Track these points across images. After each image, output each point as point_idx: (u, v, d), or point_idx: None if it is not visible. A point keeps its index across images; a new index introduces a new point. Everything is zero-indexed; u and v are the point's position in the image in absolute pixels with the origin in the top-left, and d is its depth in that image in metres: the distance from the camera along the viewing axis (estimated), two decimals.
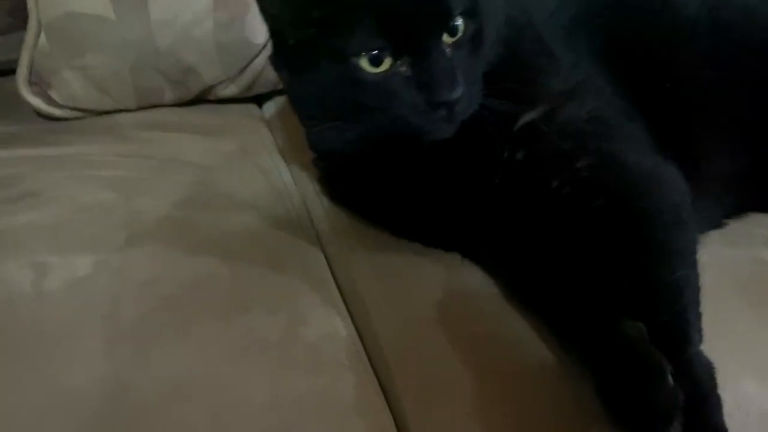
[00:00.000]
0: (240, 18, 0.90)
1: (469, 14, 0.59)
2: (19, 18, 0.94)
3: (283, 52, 0.65)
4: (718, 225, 0.74)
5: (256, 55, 0.94)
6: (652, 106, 0.69)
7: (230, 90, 0.97)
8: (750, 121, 0.72)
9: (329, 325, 0.63)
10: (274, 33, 0.65)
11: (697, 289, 0.60)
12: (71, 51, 0.88)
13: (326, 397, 0.55)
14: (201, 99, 0.99)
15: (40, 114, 0.93)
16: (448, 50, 0.58)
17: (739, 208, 0.75)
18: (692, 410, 0.52)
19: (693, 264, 0.61)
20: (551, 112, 0.65)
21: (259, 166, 0.86)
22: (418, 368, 0.59)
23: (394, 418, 0.56)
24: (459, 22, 0.58)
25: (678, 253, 0.61)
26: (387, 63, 0.57)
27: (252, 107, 1.02)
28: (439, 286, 0.67)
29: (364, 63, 0.57)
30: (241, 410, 0.53)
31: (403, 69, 0.58)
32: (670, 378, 0.51)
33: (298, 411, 0.54)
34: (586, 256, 0.63)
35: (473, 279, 0.67)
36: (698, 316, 0.58)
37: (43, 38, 0.89)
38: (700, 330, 0.58)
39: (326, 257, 0.74)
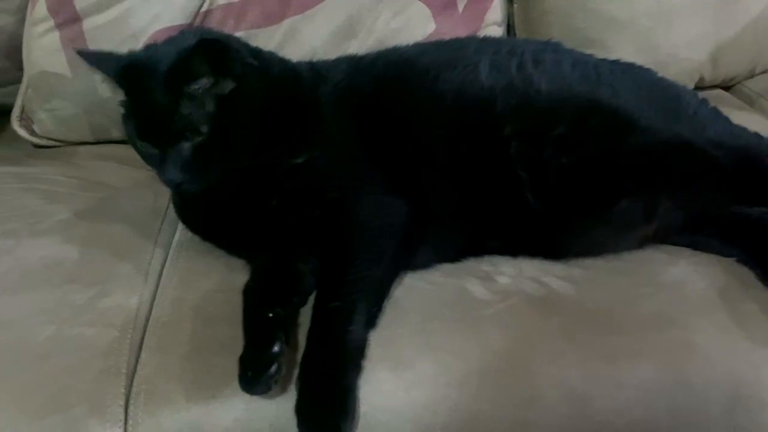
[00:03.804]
0: None
1: (211, 126, 0.82)
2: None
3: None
4: (452, 260, 0.92)
5: None
6: (393, 157, 0.91)
7: None
8: (473, 180, 0.91)
9: (125, 300, 0.88)
10: None
11: (375, 288, 0.82)
12: (43, 98, 1.22)
13: (86, 341, 0.81)
14: None
15: (28, 142, 1.28)
16: (186, 146, 0.82)
17: (475, 250, 0.93)
18: (331, 370, 0.74)
19: (378, 269, 0.83)
20: (312, 158, 0.88)
21: (157, 190, 1.11)
22: (165, 333, 0.84)
23: (135, 365, 0.81)
24: (198, 130, 0.82)
25: (371, 259, 0.83)
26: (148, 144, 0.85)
27: None
28: (217, 282, 0.91)
29: (136, 139, 0.86)
30: (29, 340, 0.81)
31: (154, 151, 0.84)
32: (274, 349, 0.74)
33: (64, 348, 0.81)
34: (312, 254, 0.87)
35: (240, 279, 0.89)
36: (366, 307, 0.80)
37: (29, 89, 1.24)
38: (370, 317, 0.80)
39: (166, 257, 1.00)
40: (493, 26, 1.29)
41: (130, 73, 0.86)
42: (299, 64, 0.98)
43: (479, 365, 0.78)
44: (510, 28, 1.37)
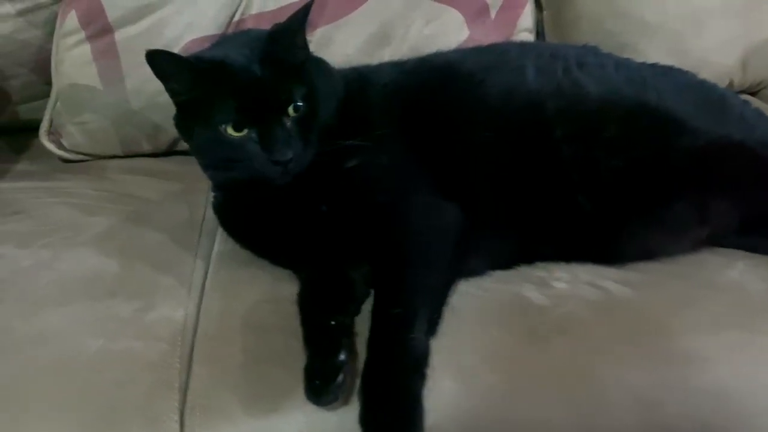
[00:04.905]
0: None
1: (304, 99, 0.83)
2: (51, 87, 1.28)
3: (177, 116, 0.91)
4: (505, 267, 0.90)
5: None
6: (444, 160, 0.89)
7: None
8: (525, 184, 0.89)
9: (171, 312, 0.86)
10: (175, 103, 0.90)
11: (434, 294, 0.80)
12: (73, 111, 1.20)
13: (136, 355, 0.79)
14: (173, 150, 1.27)
15: (55, 156, 1.26)
16: (288, 122, 0.82)
17: (528, 256, 0.91)
18: (396, 379, 0.72)
19: (436, 274, 0.81)
20: (365, 161, 0.86)
21: (190, 202, 1.11)
22: (215, 345, 0.81)
23: (188, 378, 0.78)
24: (297, 104, 0.82)
25: (429, 264, 0.81)
26: (245, 130, 0.82)
27: None
28: (263, 292, 0.88)
29: (229, 129, 0.82)
30: (78, 354, 0.79)
31: (253, 135, 0.82)
32: (340, 357, 0.71)
33: (113, 361, 0.78)
34: (363, 261, 0.85)
35: (287, 290, 0.87)
36: (427, 313, 0.77)
37: (58, 102, 1.22)
38: (431, 323, 0.78)
39: (207, 269, 0.97)
40: (524, 33, 1.28)
41: (213, 63, 0.83)
42: (342, 69, 0.97)
43: (543, 372, 0.76)
44: (539, 34, 1.36)
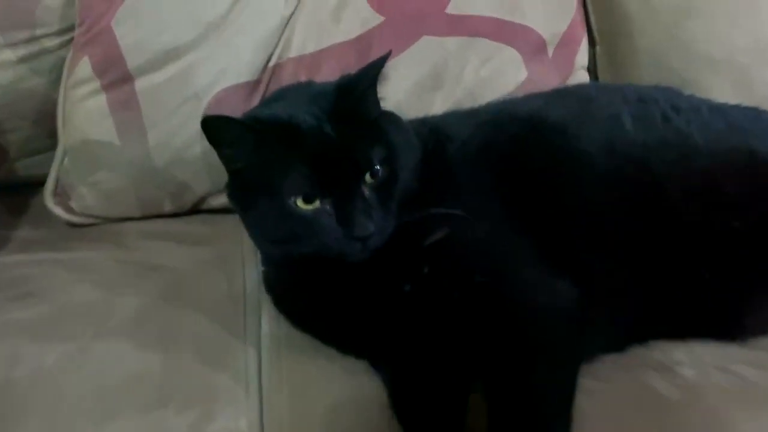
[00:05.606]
0: None
1: (383, 162, 0.71)
2: (56, 140, 1.13)
3: (231, 185, 0.78)
4: (618, 348, 0.78)
5: None
6: (547, 228, 0.77)
7: (220, 200, 1.09)
8: (639, 253, 0.77)
9: (233, 423, 0.72)
10: (228, 170, 0.77)
11: (564, 394, 0.67)
12: (86, 170, 1.05)
13: None
14: (197, 209, 1.13)
15: (60, 220, 1.10)
16: (366, 191, 0.70)
17: (642, 334, 0.79)
18: None
19: (565, 370, 0.69)
20: (454, 234, 0.74)
21: (226, 270, 0.97)
22: None
23: None
24: (375, 169, 0.70)
25: (554, 359, 0.69)
26: (317, 202, 0.70)
27: None
28: (339, 391, 0.75)
29: (299, 201, 0.70)
30: None
31: (327, 207, 0.70)
32: None
33: None
34: (471, 362, 0.72)
35: (369, 387, 0.74)
36: (561, 419, 0.65)
37: (66, 159, 1.07)
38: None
39: (260, 359, 0.84)
40: (581, 71, 1.18)
41: (278, 125, 0.72)
42: (409, 121, 0.84)
43: None
44: (590, 71, 1.26)
